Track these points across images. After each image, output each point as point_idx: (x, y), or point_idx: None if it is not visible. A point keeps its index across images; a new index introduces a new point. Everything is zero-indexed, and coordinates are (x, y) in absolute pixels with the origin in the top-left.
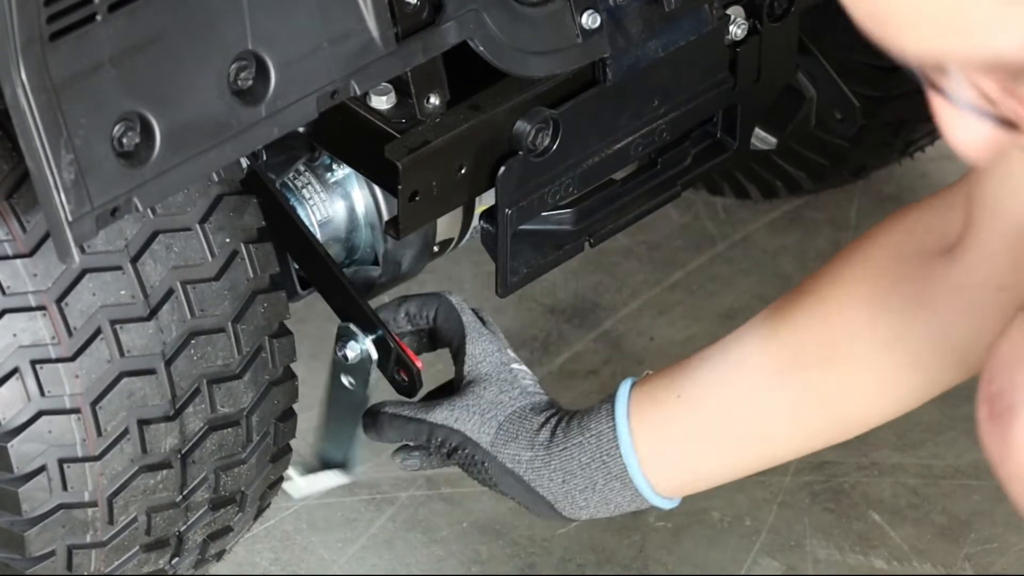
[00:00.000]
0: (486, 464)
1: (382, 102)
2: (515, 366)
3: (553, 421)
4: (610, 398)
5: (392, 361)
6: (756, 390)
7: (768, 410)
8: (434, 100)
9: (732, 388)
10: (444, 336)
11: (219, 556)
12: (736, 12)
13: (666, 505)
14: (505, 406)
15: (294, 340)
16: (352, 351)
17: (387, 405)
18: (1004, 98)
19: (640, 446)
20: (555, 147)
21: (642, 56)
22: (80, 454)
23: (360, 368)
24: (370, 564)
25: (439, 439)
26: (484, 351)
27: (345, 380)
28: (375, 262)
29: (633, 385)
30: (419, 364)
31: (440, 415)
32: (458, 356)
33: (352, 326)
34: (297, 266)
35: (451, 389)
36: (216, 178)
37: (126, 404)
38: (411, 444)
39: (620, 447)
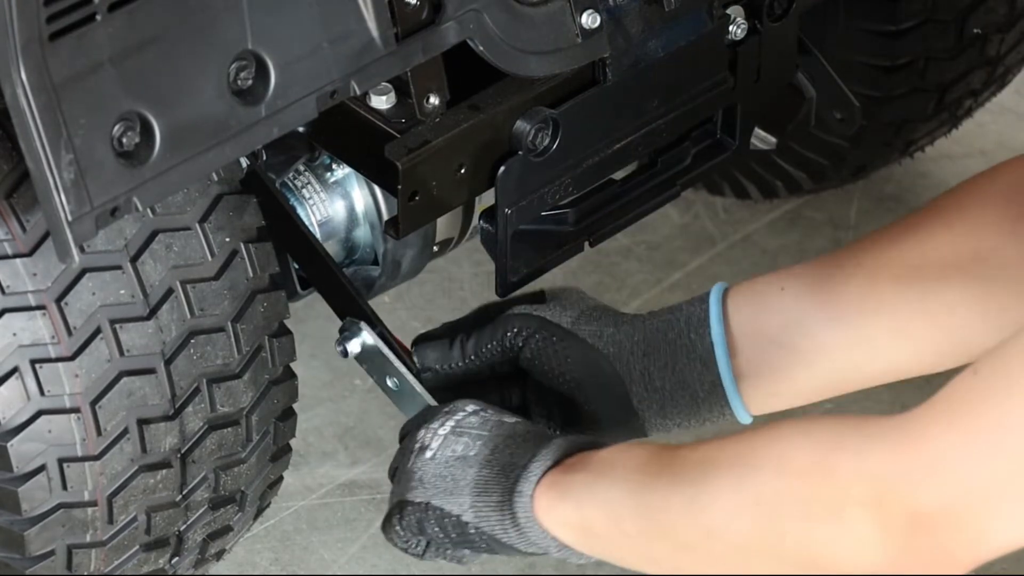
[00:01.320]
0: (564, 344)
1: (382, 102)
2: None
3: (639, 315)
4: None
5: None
6: (866, 291)
7: (875, 312)
8: (434, 100)
9: (841, 287)
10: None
11: (219, 556)
12: (736, 12)
13: (740, 411)
14: (587, 300)
15: (294, 340)
16: (354, 347)
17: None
18: None
19: (733, 330)
20: (555, 147)
21: (642, 56)
22: (80, 453)
23: (375, 356)
24: (370, 564)
25: (515, 328)
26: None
27: (390, 383)
28: (375, 262)
29: (728, 287)
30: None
31: (520, 308)
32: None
33: (356, 321)
34: (297, 266)
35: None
36: (216, 178)
37: (126, 403)
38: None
39: (711, 328)
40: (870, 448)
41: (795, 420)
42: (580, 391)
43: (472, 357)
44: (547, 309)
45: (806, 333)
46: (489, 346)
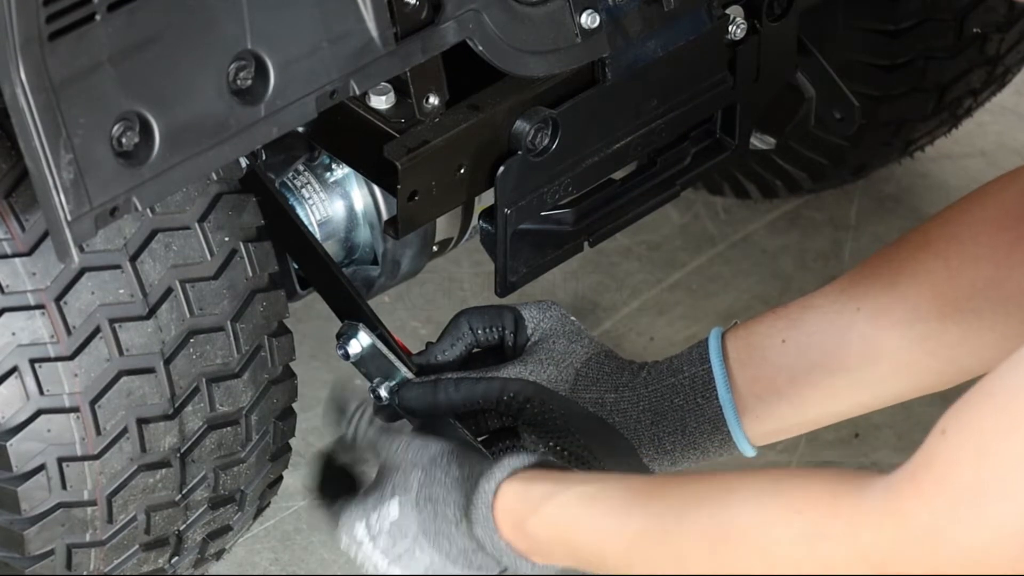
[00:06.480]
0: (565, 414)
1: (381, 102)
2: (573, 318)
3: (633, 366)
4: (699, 344)
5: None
6: (869, 338)
7: (879, 358)
8: (433, 100)
9: (842, 335)
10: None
11: (218, 555)
12: (735, 12)
13: (749, 452)
14: (579, 354)
15: (293, 339)
16: (353, 348)
17: (445, 373)
18: None
19: (740, 389)
20: (554, 147)
21: (641, 56)
22: (79, 453)
23: (375, 357)
24: None
25: (511, 393)
26: (541, 309)
27: (384, 392)
28: (374, 261)
29: (724, 333)
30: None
31: (512, 371)
32: (517, 328)
33: (354, 323)
34: (296, 266)
35: (509, 357)
36: (215, 177)
37: (125, 403)
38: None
39: (717, 390)
40: (857, 530)
41: (764, 495)
42: (587, 450)
43: (459, 405)
44: (542, 370)
45: (813, 384)
46: (480, 401)
